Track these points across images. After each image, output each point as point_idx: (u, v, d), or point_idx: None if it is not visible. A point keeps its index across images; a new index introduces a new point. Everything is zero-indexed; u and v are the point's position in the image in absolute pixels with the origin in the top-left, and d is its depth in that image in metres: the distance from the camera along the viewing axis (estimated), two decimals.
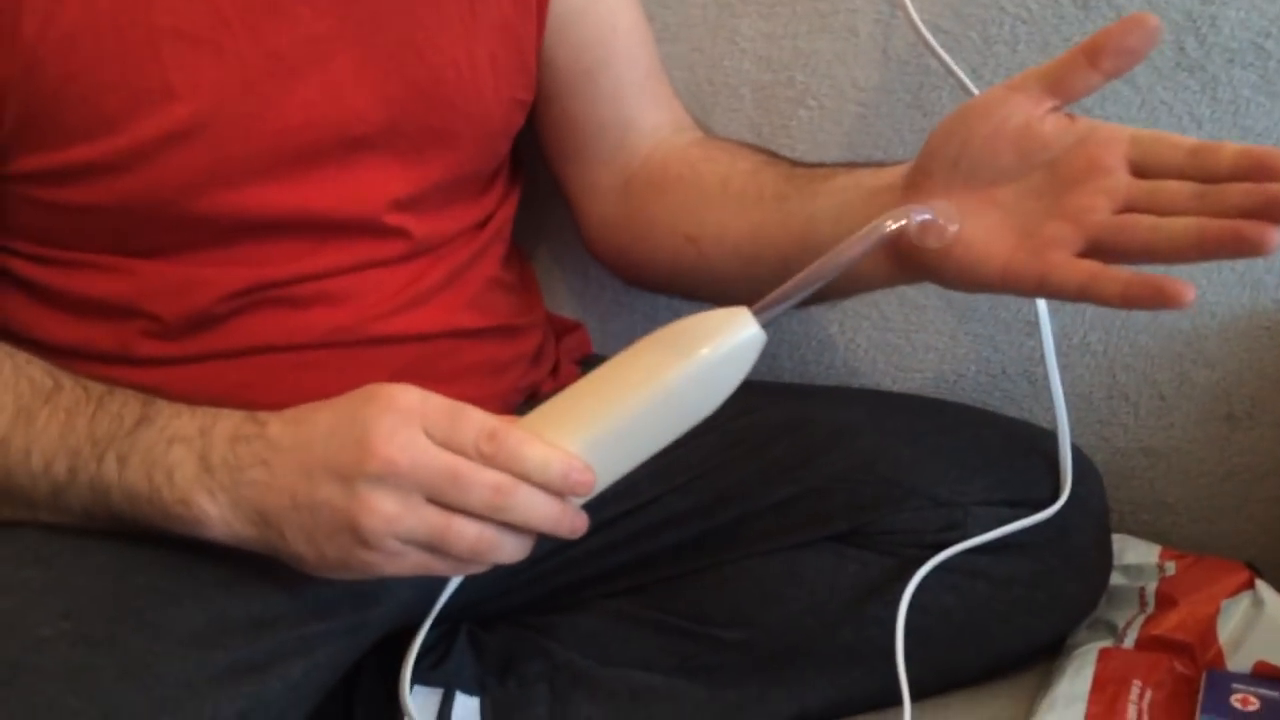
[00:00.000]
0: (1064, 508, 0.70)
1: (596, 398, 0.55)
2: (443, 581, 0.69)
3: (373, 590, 0.64)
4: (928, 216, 0.56)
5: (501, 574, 0.72)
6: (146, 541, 0.57)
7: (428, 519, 0.54)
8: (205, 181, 0.63)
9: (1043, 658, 0.74)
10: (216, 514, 0.55)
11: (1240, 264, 0.80)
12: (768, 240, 0.70)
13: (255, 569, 0.58)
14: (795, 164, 0.73)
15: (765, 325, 0.54)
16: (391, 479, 0.53)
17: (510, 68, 0.72)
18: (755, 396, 0.76)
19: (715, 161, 0.75)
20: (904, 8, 0.78)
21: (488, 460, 0.54)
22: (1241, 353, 0.81)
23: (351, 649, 0.64)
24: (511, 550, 0.56)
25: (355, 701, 0.70)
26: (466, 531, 0.54)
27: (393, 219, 0.69)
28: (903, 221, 0.55)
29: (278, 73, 0.63)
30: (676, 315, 0.55)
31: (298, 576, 0.60)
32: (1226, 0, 0.76)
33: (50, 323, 0.67)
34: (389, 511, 0.53)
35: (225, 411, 0.57)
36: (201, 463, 0.55)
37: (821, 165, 0.71)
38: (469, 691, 0.70)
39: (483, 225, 0.76)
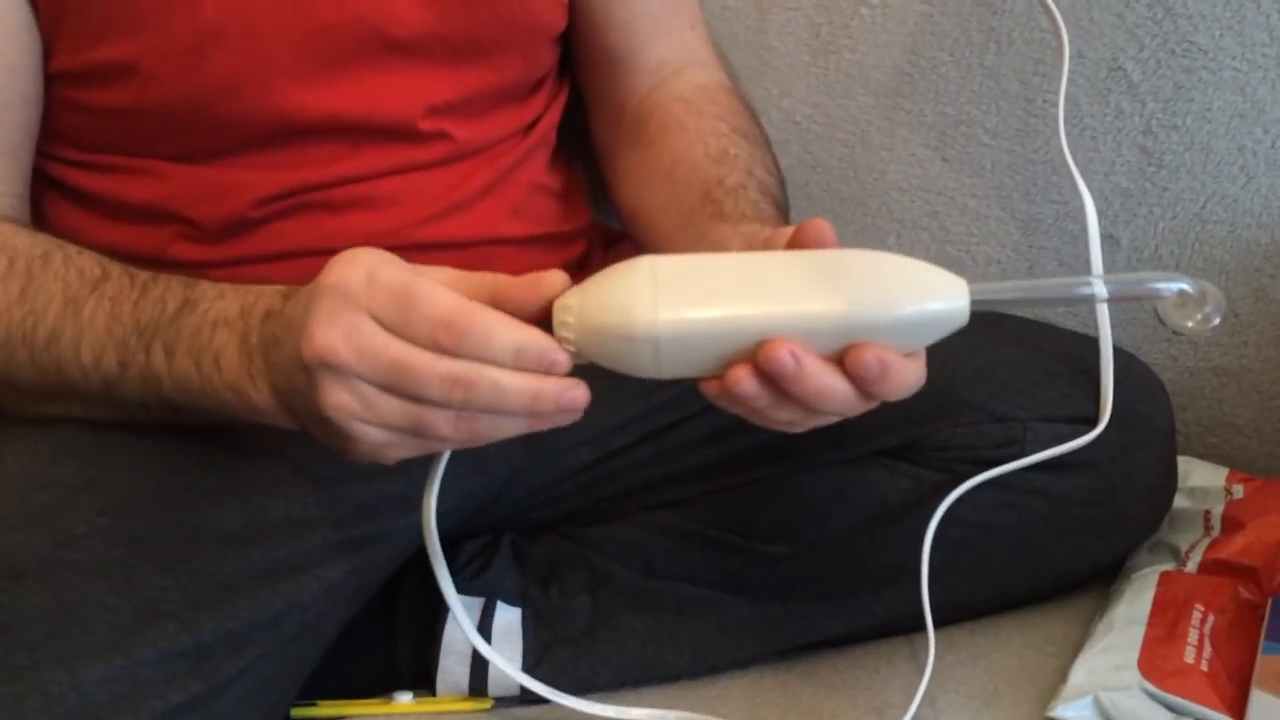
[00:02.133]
0: (1128, 426, 0.67)
1: (750, 287, 0.46)
2: (481, 494, 0.69)
3: (414, 495, 0.63)
4: (1188, 288, 0.49)
5: (545, 483, 0.72)
6: (188, 438, 0.57)
7: (393, 410, 0.47)
8: (239, 83, 0.62)
9: (1101, 580, 0.72)
10: (261, 401, 0.52)
11: None
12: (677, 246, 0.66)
13: (296, 469, 0.57)
14: (737, 174, 0.69)
15: (974, 309, 0.47)
16: (332, 369, 0.47)
17: None
18: None
19: (683, 131, 0.72)
20: None
21: (449, 353, 0.47)
22: None
23: (393, 555, 0.64)
24: (511, 424, 0.49)
25: (398, 608, 0.70)
26: (440, 422, 0.48)
27: (430, 124, 0.68)
28: (1183, 287, 0.48)
29: None
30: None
31: (338, 478, 0.59)
32: None
33: (89, 226, 0.67)
34: (343, 403, 0.47)
35: (269, 289, 0.53)
36: (242, 346, 0.52)
37: (748, 194, 0.67)
38: (510, 601, 0.70)
39: (528, 130, 0.74)
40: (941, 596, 0.67)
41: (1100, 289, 0.48)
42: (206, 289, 0.55)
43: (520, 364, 0.47)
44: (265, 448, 0.55)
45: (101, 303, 0.55)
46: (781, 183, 0.72)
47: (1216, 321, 0.48)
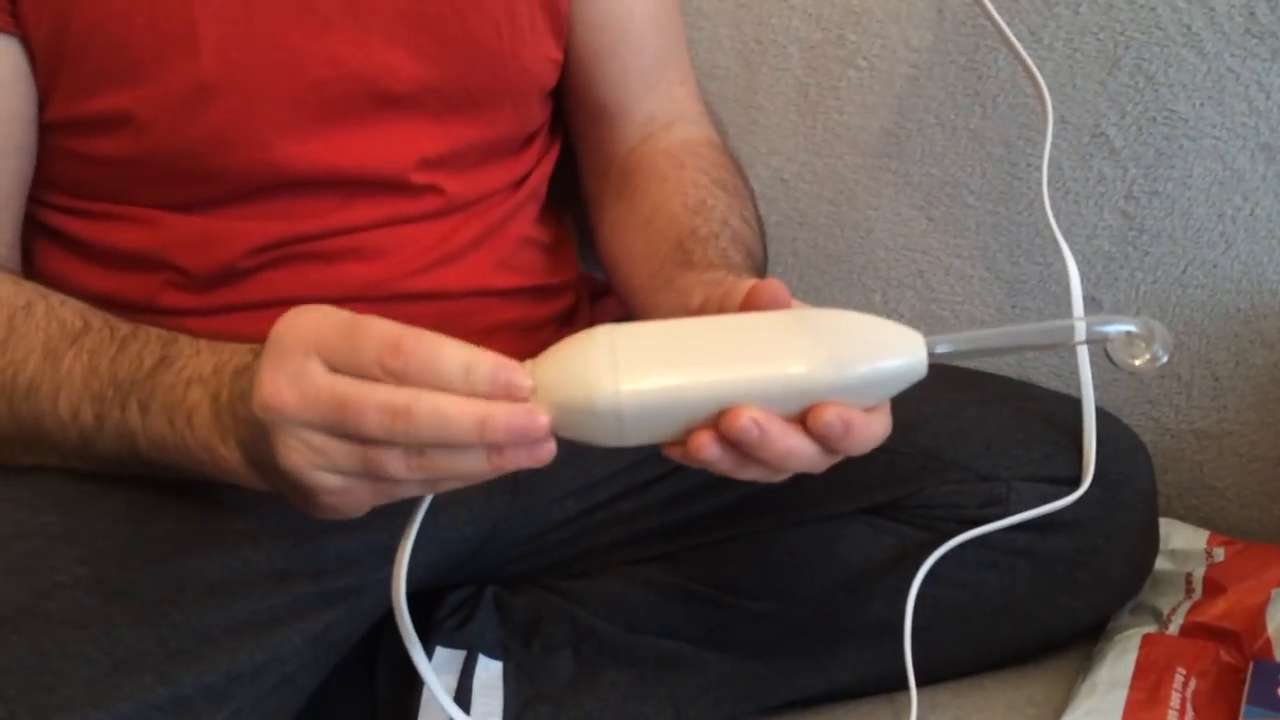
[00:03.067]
0: (1111, 487, 0.68)
1: (710, 353, 0.46)
2: (464, 546, 0.68)
3: (395, 547, 0.62)
4: (1134, 329, 0.48)
5: (528, 535, 0.72)
6: (168, 489, 0.56)
7: (341, 453, 0.46)
8: (232, 136, 0.63)
9: (1084, 641, 0.72)
10: (232, 460, 0.51)
11: None
12: (651, 302, 0.66)
13: (277, 521, 0.57)
14: (711, 224, 0.69)
15: (932, 362, 0.47)
16: (281, 419, 0.46)
17: (546, 27, 0.71)
18: None
19: (664, 183, 0.72)
20: None
21: (397, 377, 0.45)
22: None
23: (375, 605, 0.63)
24: (468, 461, 0.46)
25: (379, 659, 0.69)
26: (389, 461, 0.45)
27: (422, 177, 0.68)
28: (1129, 328, 0.47)
29: (308, 25, 0.62)
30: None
31: (320, 529, 0.59)
32: None
33: (80, 273, 0.67)
34: (294, 453, 0.46)
35: (244, 346, 0.53)
36: (214, 404, 0.51)
37: (719, 244, 0.66)
38: (492, 655, 0.69)
39: (519, 184, 0.75)
40: (924, 655, 0.67)
41: (1056, 336, 0.49)
42: (184, 345, 0.54)
43: (472, 386, 0.45)
44: (247, 499, 0.55)
45: (80, 356, 0.55)
46: (760, 235, 0.72)
47: (1164, 359, 0.48)
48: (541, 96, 0.74)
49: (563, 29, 0.73)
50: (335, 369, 0.46)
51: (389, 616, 0.67)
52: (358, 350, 0.45)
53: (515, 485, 0.69)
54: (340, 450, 0.46)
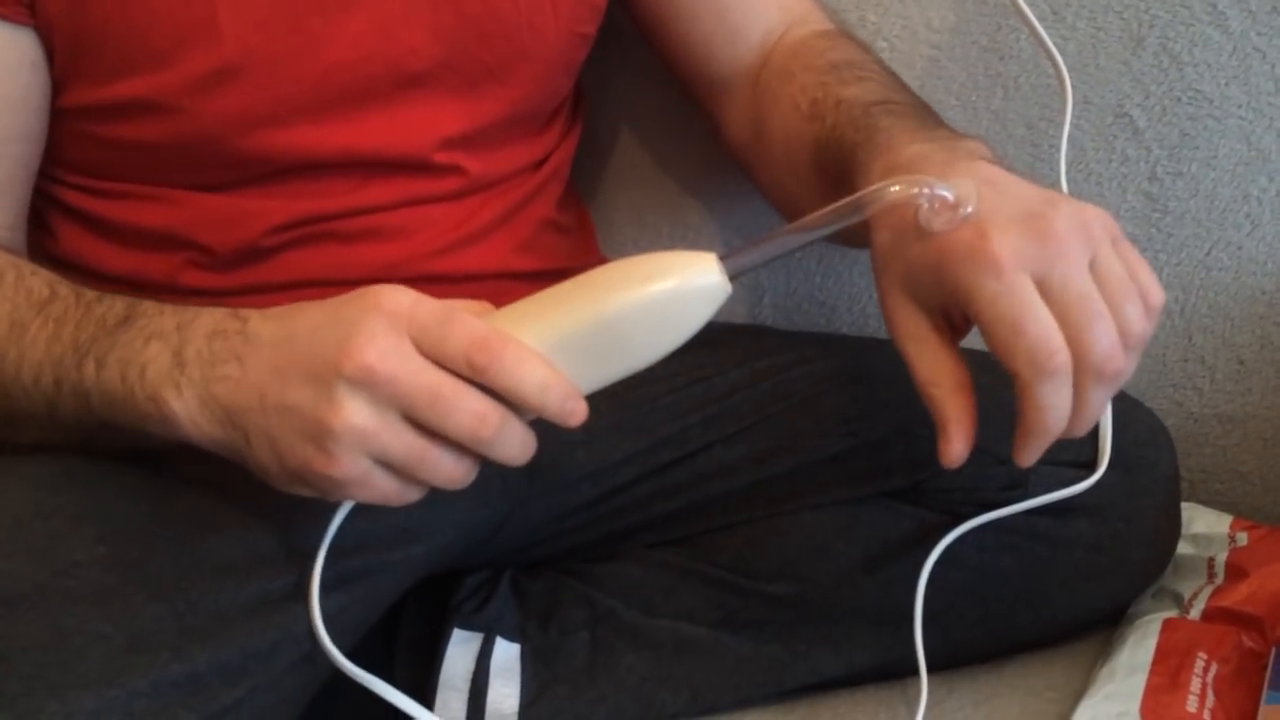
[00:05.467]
0: (1132, 471, 0.67)
1: (546, 310, 0.51)
2: (480, 529, 0.68)
3: (414, 528, 0.63)
4: (946, 194, 0.49)
5: (546, 519, 0.72)
6: (187, 467, 0.56)
7: (403, 440, 0.48)
8: (253, 119, 0.63)
9: (1104, 625, 0.72)
10: (183, 411, 0.50)
11: None
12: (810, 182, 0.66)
13: (294, 500, 0.57)
14: (830, 116, 0.65)
15: (733, 277, 0.49)
16: (368, 387, 0.47)
17: (572, 2, 0.69)
18: (809, 347, 0.75)
19: (778, 104, 0.70)
20: None
21: (478, 373, 0.48)
22: None
23: (390, 587, 0.63)
24: (465, 475, 0.51)
25: (396, 641, 0.70)
26: (443, 463, 0.49)
27: (444, 157, 0.68)
28: (913, 192, 0.49)
29: (326, 8, 0.62)
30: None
31: (336, 508, 0.59)
32: None
33: (101, 252, 0.67)
34: (361, 424, 0.47)
35: (209, 309, 0.53)
36: (175, 358, 0.51)
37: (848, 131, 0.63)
38: (510, 638, 0.70)
39: (540, 164, 0.74)
40: (943, 639, 0.67)
41: (855, 212, 0.49)
42: (148, 306, 0.54)
43: (542, 401, 0.49)
44: (262, 480, 0.55)
45: (46, 324, 0.55)
46: (889, 74, 0.68)
47: (969, 209, 0.49)
48: (567, 71, 0.73)
49: (594, 2, 0.71)
50: (421, 352, 0.48)
51: (407, 598, 0.67)
52: (447, 340, 0.48)
53: (532, 469, 0.68)
54: (402, 436, 0.48)
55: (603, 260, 0.82)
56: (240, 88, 0.62)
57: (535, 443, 0.51)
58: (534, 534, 0.72)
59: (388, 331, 0.48)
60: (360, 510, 0.60)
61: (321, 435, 0.48)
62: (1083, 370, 0.48)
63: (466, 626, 0.70)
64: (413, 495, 0.51)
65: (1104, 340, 0.47)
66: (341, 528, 0.59)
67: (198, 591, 0.52)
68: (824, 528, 0.69)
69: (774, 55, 0.72)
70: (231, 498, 0.56)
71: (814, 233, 0.49)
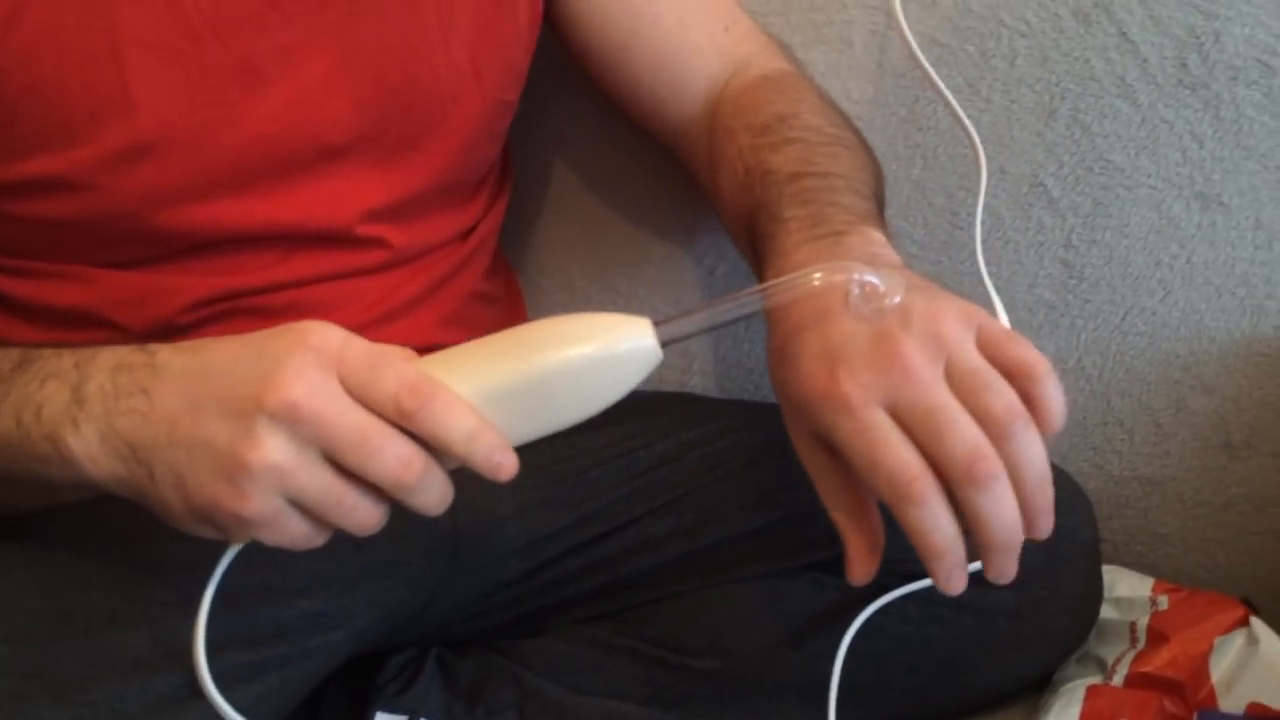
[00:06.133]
0: (1052, 539, 0.67)
1: (476, 360, 0.50)
2: (404, 608, 0.67)
3: (333, 612, 0.62)
4: (873, 281, 0.50)
5: (473, 596, 0.71)
6: (96, 558, 0.55)
7: (321, 481, 0.47)
8: (170, 195, 0.62)
9: (1030, 693, 0.72)
10: (80, 448, 0.49)
11: (1240, 289, 0.78)
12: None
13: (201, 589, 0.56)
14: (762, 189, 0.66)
15: (665, 344, 0.50)
16: (290, 424, 0.46)
17: (494, 69, 0.69)
18: (737, 417, 0.75)
19: (723, 163, 0.69)
20: (897, 24, 0.76)
21: (406, 417, 0.47)
22: (1240, 379, 0.79)
23: (310, 674, 0.62)
24: (378, 521, 0.50)
25: None
26: (359, 507, 0.48)
27: (367, 229, 0.67)
28: (840, 278, 0.50)
29: (246, 82, 0.62)
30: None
31: (253, 596, 0.58)
32: (1231, 16, 0.73)
33: (17, 331, 0.65)
34: (280, 461, 0.46)
35: (112, 346, 0.52)
36: (74, 394, 0.50)
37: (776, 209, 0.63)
38: (435, 719, 0.68)
39: (467, 235, 0.74)
40: (871, 711, 0.67)
41: (783, 294, 0.50)
42: (46, 350, 0.53)
43: (469, 450, 0.48)
44: (175, 565, 0.54)
45: None
46: (835, 122, 0.68)
47: (896, 300, 0.50)
48: (490, 138, 0.73)
49: (519, 68, 0.72)
50: (348, 391, 0.47)
51: (331, 678, 0.66)
52: (377, 382, 0.47)
53: (456, 546, 0.68)
54: (320, 477, 0.47)
55: None
56: (156, 163, 0.61)
57: (453, 493, 0.50)
58: (461, 611, 0.71)
59: (314, 367, 0.47)
60: (275, 596, 0.59)
61: (235, 471, 0.46)
62: (954, 481, 0.47)
63: (390, 709, 0.68)
64: (319, 539, 0.50)
65: (961, 446, 0.47)
66: (254, 616, 0.58)
67: (101, 690, 0.51)
68: (750, 601, 0.69)
69: (721, 105, 0.72)
70: (139, 589, 0.55)
71: (746, 308, 0.50)
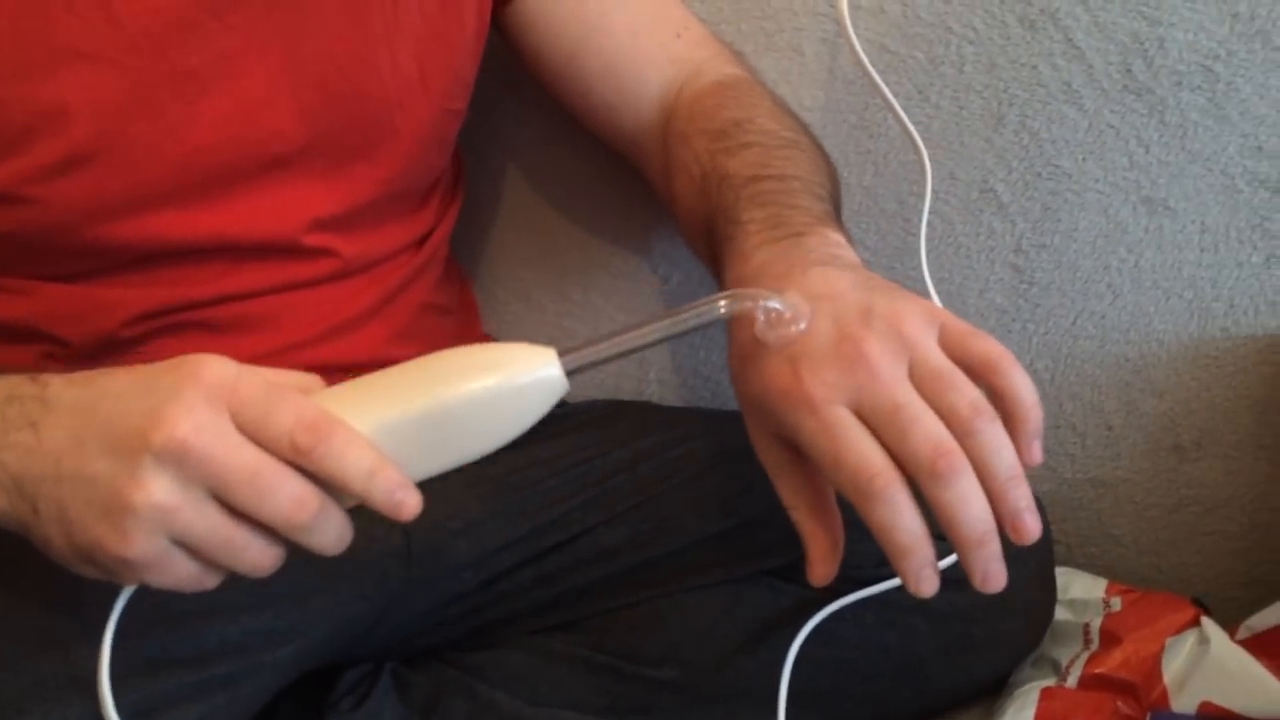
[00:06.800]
0: (1004, 543, 0.67)
1: (378, 393, 0.49)
2: (357, 623, 0.66)
3: (283, 628, 0.61)
4: (776, 306, 0.50)
5: (427, 609, 0.70)
6: (35, 578, 0.54)
7: (208, 521, 0.45)
8: (109, 207, 0.61)
9: (985, 696, 0.72)
10: None
11: (1187, 292, 0.79)
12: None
13: (150, 607, 0.55)
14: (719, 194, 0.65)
15: (571, 374, 0.49)
16: (176, 463, 0.44)
17: (441, 77, 0.69)
18: (692, 425, 0.75)
19: (680, 171, 0.69)
20: (846, 34, 0.77)
21: (301, 455, 0.45)
22: (1189, 382, 0.80)
23: (259, 693, 0.61)
24: (272, 562, 0.48)
25: None
26: (250, 548, 0.47)
27: (315, 239, 0.66)
28: (746, 305, 0.50)
29: (186, 92, 0.61)
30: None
31: (199, 614, 0.57)
32: (1174, 22, 0.74)
33: None
34: (164, 501, 0.44)
35: (7, 375, 0.50)
36: None
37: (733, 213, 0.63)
38: None
39: (419, 244, 0.74)
40: (826, 716, 0.67)
41: (688, 323, 0.50)
42: None
43: (368, 488, 0.46)
44: (94, 591, 0.52)
45: None
46: (789, 126, 0.68)
47: (802, 327, 0.50)
48: (439, 147, 0.72)
49: (466, 76, 0.71)
50: (240, 428, 0.45)
51: (280, 698, 0.65)
52: (271, 417, 0.45)
53: (409, 559, 0.68)
54: (207, 517, 0.45)
55: (485, 340, 0.82)
56: (94, 175, 0.60)
57: (352, 532, 0.48)
58: (415, 625, 0.70)
59: (205, 404, 0.45)
60: (222, 613, 0.58)
61: (118, 511, 0.45)
62: (919, 478, 0.47)
63: None
64: (211, 581, 0.48)
65: (924, 442, 0.47)
66: (200, 633, 0.57)
67: (40, 712, 0.50)
68: (707, 609, 0.69)
69: (675, 112, 0.71)
70: (81, 611, 0.53)
71: (652, 337, 0.49)
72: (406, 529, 0.68)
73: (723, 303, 0.50)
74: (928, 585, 0.49)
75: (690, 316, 0.49)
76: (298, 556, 0.49)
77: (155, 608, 0.54)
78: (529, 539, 0.70)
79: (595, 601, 0.71)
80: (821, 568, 0.53)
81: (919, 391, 0.48)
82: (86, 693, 0.51)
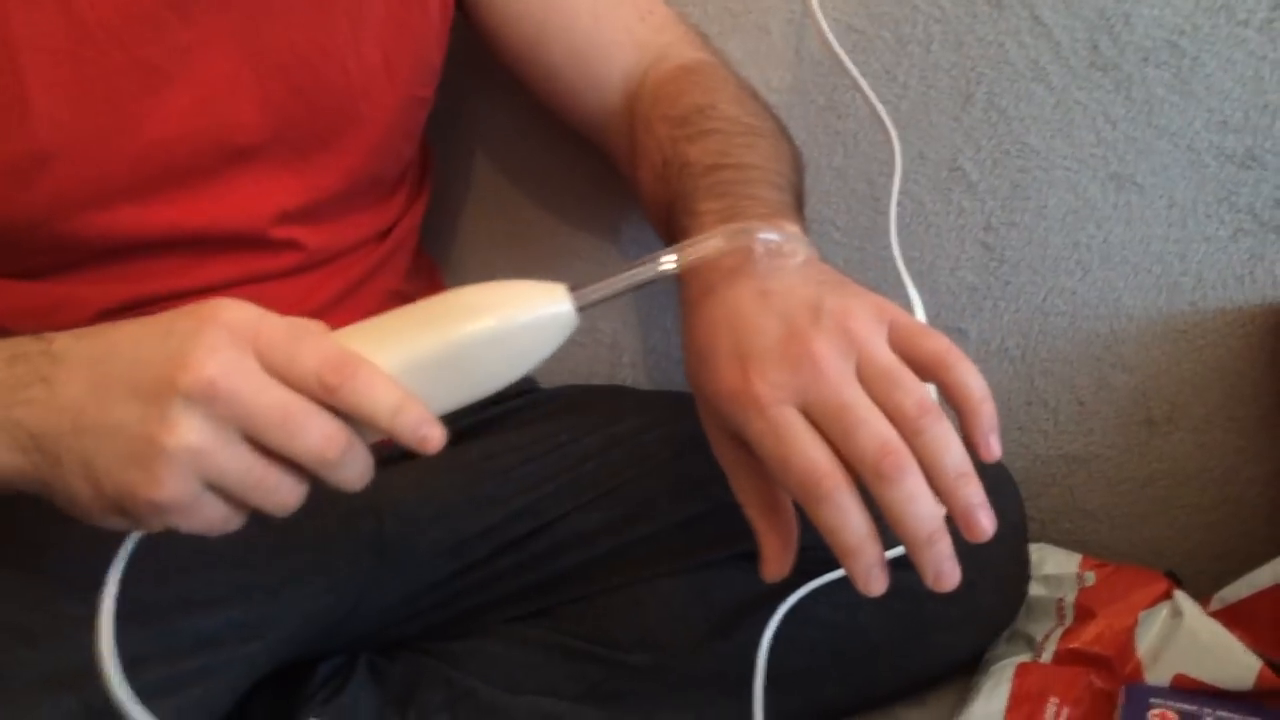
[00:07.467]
0: None
1: (394, 332, 0.49)
2: (330, 614, 0.66)
3: (255, 621, 0.60)
4: (773, 238, 0.52)
5: (401, 599, 0.70)
6: (5, 572, 0.53)
7: (242, 462, 0.45)
8: (72, 203, 0.60)
9: (961, 674, 0.72)
10: None
11: (1156, 267, 0.79)
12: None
13: (125, 602, 0.54)
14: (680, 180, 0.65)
15: (581, 309, 0.50)
16: (207, 403, 0.44)
17: (406, 65, 0.68)
18: (665, 409, 0.75)
19: (643, 158, 0.69)
20: (812, 13, 0.76)
21: (329, 393, 0.45)
22: (1159, 356, 0.80)
23: (232, 686, 0.61)
24: (298, 500, 0.48)
25: None
26: (281, 487, 0.46)
27: (281, 232, 0.66)
28: (742, 240, 0.51)
29: (147, 84, 0.60)
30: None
31: (173, 607, 0.57)
32: None
33: None
34: (198, 443, 0.44)
35: (9, 339, 0.50)
36: None
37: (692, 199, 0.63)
38: None
39: (385, 235, 0.73)
40: (804, 698, 0.67)
41: (693, 255, 0.51)
42: None
43: (394, 423, 0.46)
44: (86, 579, 0.52)
45: None
46: (754, 110, 0.68)
47: (800, 259, 0.52)
48: (405, 136, 0.72)
49: (433, 63, 0.71)
50: (266, 369, 0.45)
51: (255, 691, 0.65)
52: (297, 357, 0.46)
53: (382, 549, 0.67)
54: (241, 458, 0.45)
55: None
56: (57, 170, 0.59)
57: (374, 468, 0.48)
58: (390, 615, 0.70)
59: (230, 345, 0.45)
60: (196, 607, 0.58)
61: (150, 456, 0.44)
62: (866, 478, 0.47)
63: (320, 717, 0.67)
64: (236, 523, 0.48)
65: (869, 441, 0.47)
66: (174, 628, 0.56)
67: (11, 711, 0.49)
68: (681, 593, 0.69)
69: (640, 97, 0.71)
70: (48, 605, 0.53)
71: (658, 271, 0.50)
72: (380, 518, 0.67)
73: (721, 239, 0.50)
74: (876, 584, 0.48)
75: (691, 250, 0.50)
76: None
77: (127, 604, 0.54)
78: (502, 526, 0.70)
79: (570, 588, 0.71)
80: (774, 565, 0.53)
81: (867, 390, 0.48)
82: (69, 689, 0.51)
